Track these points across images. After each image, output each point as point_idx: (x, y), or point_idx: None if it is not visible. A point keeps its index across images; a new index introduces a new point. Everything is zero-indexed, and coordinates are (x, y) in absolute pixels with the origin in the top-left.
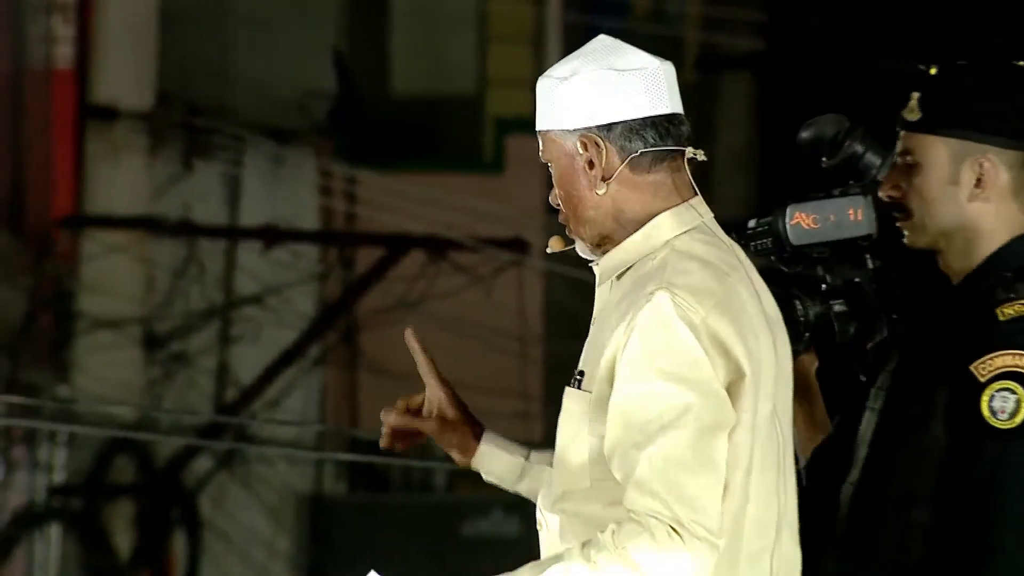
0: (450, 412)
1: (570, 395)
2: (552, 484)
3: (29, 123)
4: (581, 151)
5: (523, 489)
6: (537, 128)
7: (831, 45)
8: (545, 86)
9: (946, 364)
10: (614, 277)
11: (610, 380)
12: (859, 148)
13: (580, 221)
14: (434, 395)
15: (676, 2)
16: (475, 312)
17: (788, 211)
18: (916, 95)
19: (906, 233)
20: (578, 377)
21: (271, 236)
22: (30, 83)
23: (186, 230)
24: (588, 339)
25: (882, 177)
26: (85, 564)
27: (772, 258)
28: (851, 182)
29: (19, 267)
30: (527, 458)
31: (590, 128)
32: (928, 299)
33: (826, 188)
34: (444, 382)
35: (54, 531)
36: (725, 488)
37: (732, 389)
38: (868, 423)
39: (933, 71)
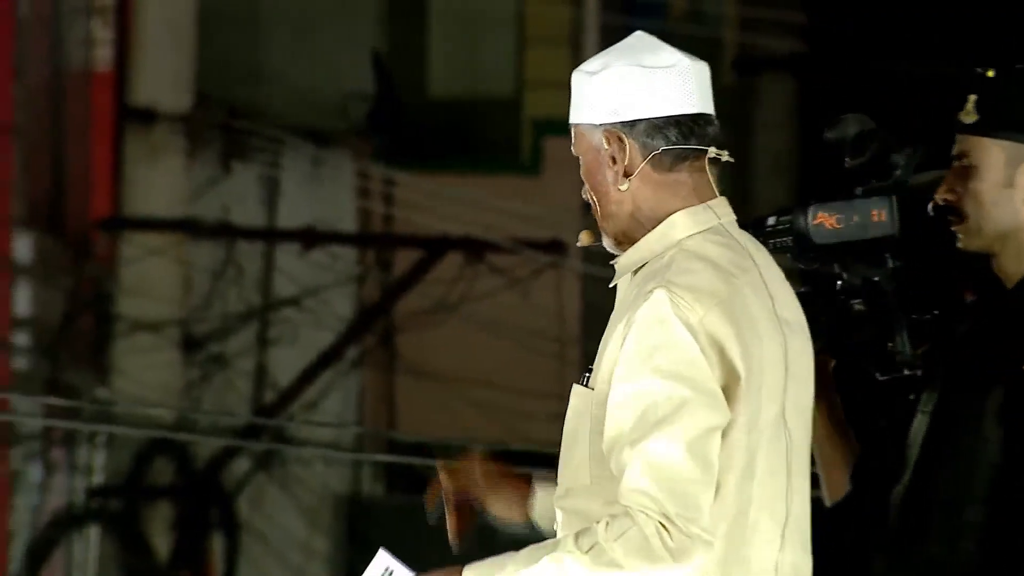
0: (495, 468)
1: (576, 392)
2: (559, 481)
3: (68, 126)
4: (605, 146)
5: None
6: (570, 119)
7: (870, 46)
8: (577, 79)
9: (1000, 366)
10: (630, 274)
11: (609, 378)
12: (882, 148)
13: (604, 216)
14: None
15: (714, 3)
16: (513, 314)
17: (811, 211)
18: (973, 97)
19: (960, 236)
20: (586, 374)
21: (309, 238)
22: (69, 86)
23: (224, 232)
24: (603, 337)
25: (910, 177)
26: (124, 565)
27: (788, 255)
28: (873, 181)
29: (58, 269)
30: None
31: (614, 123)
32: (980, 301)
33: (850, 188)
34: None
35: (93, 532)
36: (719, 490)
37: (728, 390)
38: (919, 425)
39: (991, 74)
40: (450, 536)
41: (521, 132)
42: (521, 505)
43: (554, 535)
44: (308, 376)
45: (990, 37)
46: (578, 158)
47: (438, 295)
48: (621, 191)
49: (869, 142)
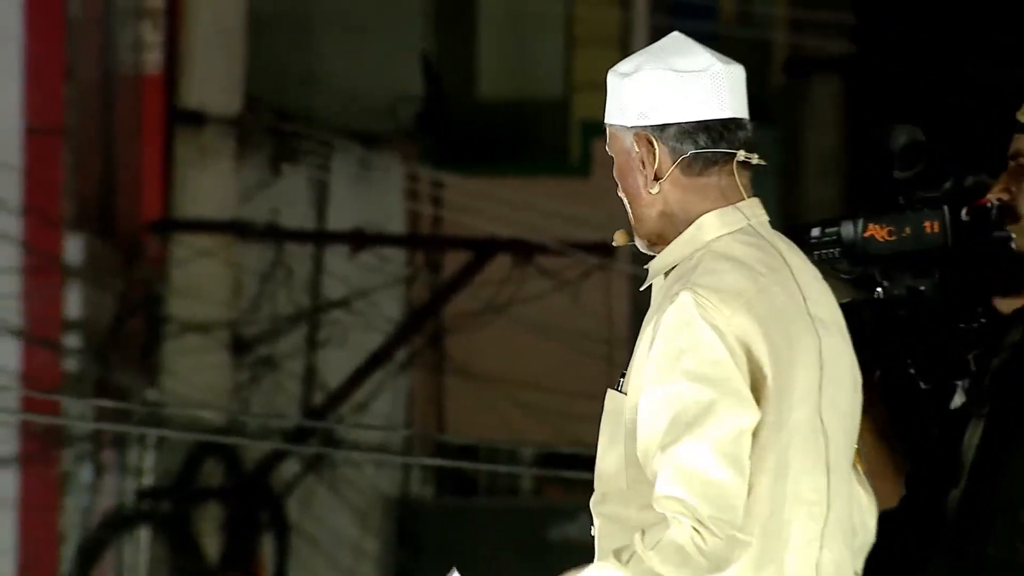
0: None
1: (610, 396)
2: (595, 487)
3: (119, 128)
4: (636, 148)
5: None
6: (605, 120)
7: (920, 48)
8: (611, 80)
9: None
10: (662, 276)
11: (640, 382)
12: (931, 162)
13: (636, 218)
14: None
15: (764, 5)
16: (562, 316)
17: (861, 223)
18: None
19: (1013, 237)
20: (620, 379)
21: (358, 240)
22: (120, 88)
23: (274, 234)
24: (637, 340)
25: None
26: (174, 567)
27: (832, 266)
28: (919, 192)
29: (108, 271)
30: None
31: (645, 127)
32: None
33: (896, 197)
34: None
35: (143, 534)
36: (752, 492)
37: (756, 390)
38: (974, 428)
39: None
40: None
41: (570, 134)
42: None
43: None
44: (357, 378)
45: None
46: (612, 158)
47: (487, 297)
48: (652, 194)
49: (918, 155)
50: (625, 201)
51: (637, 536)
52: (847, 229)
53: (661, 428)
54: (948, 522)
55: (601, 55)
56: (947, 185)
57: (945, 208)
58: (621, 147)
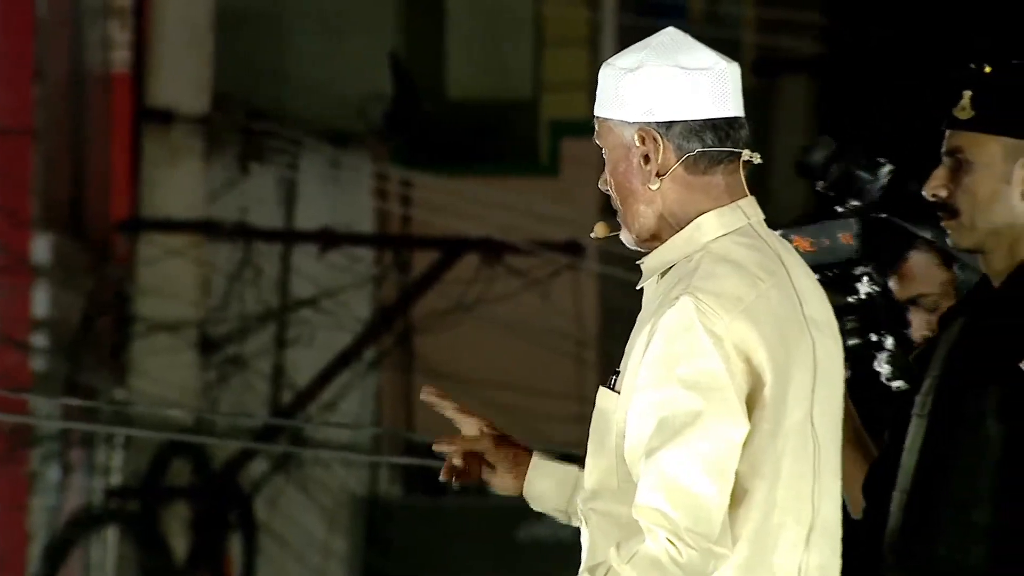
0: (497, 433)
1: (603, 394)
2: (585, 483)
3: (87, 127)
4: (638, 144)
5: (573, 508)
6: (596, 113)
7: (889, 48)
8: (609, 74)
9: (996, 363)
10: (657, 275)
11: (634, 382)
12: (848, 168)
13: (630, 213)
14: (475, 427)
15: (733, 5)
16: (531, 315)
17: (781, 233)
18: (968, 93)
19: (950, 233)
20: (613, 377)
21: (327, 239)
22: (88, 88)
23: (242, 233)
24: (629, 338)
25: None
26: (142, 566)
27: None
28: (851, 201)
29: (77, 270)
30: (581, 469)
31: (650, 123)
32: (966, 302)
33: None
34: (481, 418)
35: (111, 533)
36: (746, 498)
37: (753, 396)
38: (917, 429)
39: (988, 69)
40: (443, 473)
41: (539, 133)
42: (519, 476)
43: (539, 516)
44: (326, 377)
45: (987, 36)
46: (600, 153)
47: (456, 296)
48: (651, 190)
49: (832, 164)
50: (615, 196)
51: (612, 551)
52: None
53: (648, 432)
54: (895, 524)
55: (570, 55)
56: (866, 191)
57: (859, 220)
58: (618, 142)
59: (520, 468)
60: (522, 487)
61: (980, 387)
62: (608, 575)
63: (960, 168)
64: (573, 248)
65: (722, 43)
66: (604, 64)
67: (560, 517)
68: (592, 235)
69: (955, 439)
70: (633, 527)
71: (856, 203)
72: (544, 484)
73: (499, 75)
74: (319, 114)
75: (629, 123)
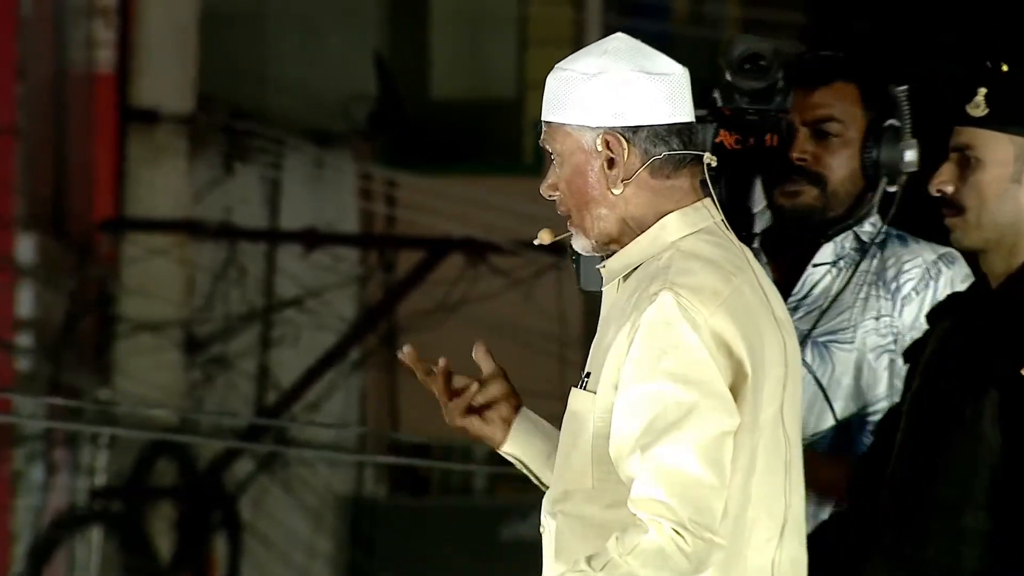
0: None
1: (575, 395)
2: (554, 485)
3: (71, 127)
4: (601, 149)
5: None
6: (549, 118)
7: (872, 48)
8: (565, 78)
9: (994, 367)
10: (620, 278)
11: (615, 381)
12: (781, 78)
13: (588, 218)
14: (495, 368)
15: (716, 4)
16: (514, 315)
17: (714, 128)
18: (983, 91)
19: (954, 231)
20: (584, 378)
21: (311, 239)
22: (72, 87)
23: (227, 233)
24: (595, 340)
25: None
26: (126, 566)
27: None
28: (761, 104)
29: (61, 270)
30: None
31: (615, 128)
32: (963, 303)
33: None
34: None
35: (95, 533)
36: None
37: (735, 390)
38: (906, 428)
39: (1004, 68)
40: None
41: (523, 133)
42: (503, 429)
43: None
44: (310, 377)
45: (993, 36)
46: (555, 156)
47: (440, 296)
48: (614, 195)
49: (761, 65)
50: (567, 201)
51: (612, 542)
52: (703, 133)
53: (640, 429)
54: (882, 523)
55: (555, 55)
56: (778, 99)
57: (786, 122)
58: (577, 146)
59: (511, 409)
60: (506, 438)
61: (977, 391)
62: (608, 565)
63: (968, 165)
64: (557, 248)
65: (705, 43)
66: (556, 68)
67: (531, 478)
68: (536, 241)
69: (948, 442)
70: (605, 528)
71: (768, 109)
72: (530, 441)
73: (483, 75)
74: (303, 114)
75: (591, 127)
